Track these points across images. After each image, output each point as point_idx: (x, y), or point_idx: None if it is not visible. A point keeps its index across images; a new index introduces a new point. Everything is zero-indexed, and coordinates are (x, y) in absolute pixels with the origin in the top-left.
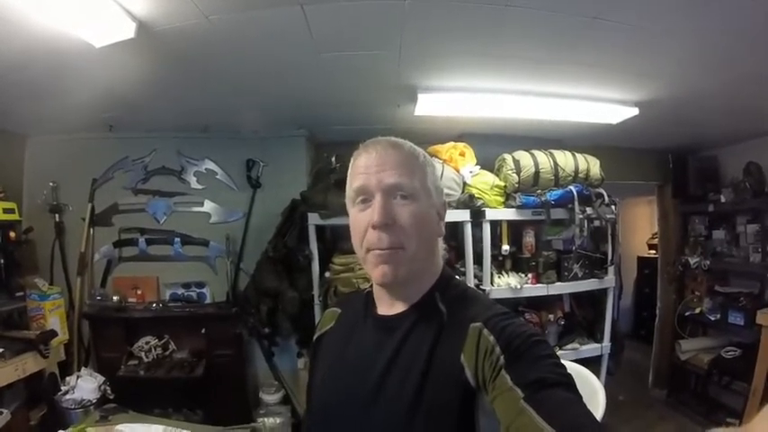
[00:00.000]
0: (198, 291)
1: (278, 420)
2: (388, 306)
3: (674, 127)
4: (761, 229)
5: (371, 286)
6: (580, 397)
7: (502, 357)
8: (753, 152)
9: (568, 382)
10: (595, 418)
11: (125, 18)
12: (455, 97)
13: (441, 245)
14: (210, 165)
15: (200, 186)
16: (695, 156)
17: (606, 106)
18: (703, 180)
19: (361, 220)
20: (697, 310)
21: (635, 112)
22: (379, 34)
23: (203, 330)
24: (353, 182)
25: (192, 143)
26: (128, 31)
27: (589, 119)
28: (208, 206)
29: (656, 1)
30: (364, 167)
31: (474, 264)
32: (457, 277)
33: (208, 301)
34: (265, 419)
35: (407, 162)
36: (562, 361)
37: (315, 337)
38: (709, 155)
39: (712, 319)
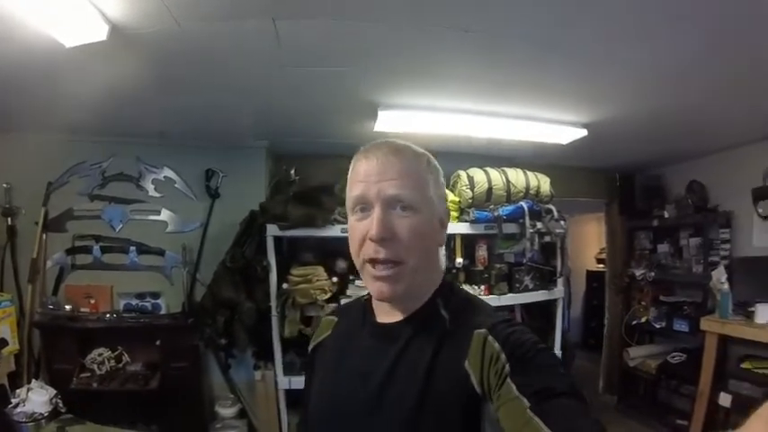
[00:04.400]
0: (153, 301)
1: None
2: (387, 314)
3: (621, 147)
4: (703, 242)
5: (369, 293)
6: (587, 406)
7: (507, 365)
8: (695, 171)
9: (574, 392)
10: (603, 428)
11: (99, 20)
12: (414, 115)
13: (442, 252)
14: (169, 173)
15: (157, 194)
16: (641, 174)
17: (557, 127)
18: (649, 197)
19: (358, 229)
20: (643, 319)
21: (584, 133)
22: (346, 52)
23: (158, 342)
24: (352, 189)
25: (152, 150)
26: (100, 33)
27: (540, 139)
28: (165, 215)
29: (607, 30)
30: (364, 175)
31: None
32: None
33: (163, 311)
34: None
35: (410, 171)
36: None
37: (311, 347)
38: (654, 173)
39: (658, 326)
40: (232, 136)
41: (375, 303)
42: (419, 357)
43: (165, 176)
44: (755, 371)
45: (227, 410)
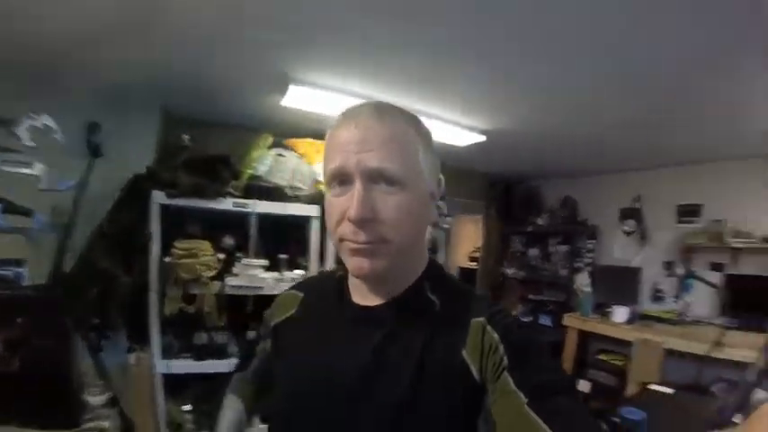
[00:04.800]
0: (15, 270)
1: (107, 424)
2: (367, 296)
3: (510, 157)
4: (570, 249)
5: (344, 269)
6: (583, 405)
7: (505, 358)
8: (570, 188)
9: (572, 390)
10: (600, 427)
11: None
12: (323, 95)
13: (429, 230)
14: (49, 121)
15: (32, 144)
16: (522, 184)
17: (459, 130)
18: (526, 205)
19: (336, 206)
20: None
21: (482, 138)
22: (267, 16)
23: (19, 318)
24: (330, 160)
25: (32, 92)
26: None
27: (441, 139)
28: (38, 169)
29: (511, 45)
30: (343, 144)
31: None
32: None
33: (26, 282)
34: (92, 424)
35: (396, 138)
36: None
37: (273, 325)
38: (533, 185)
39: (525, 320)
40: (122, 88)
41: (352, 283)
42: (410, 343)
43: (43, 124)
44: (611, 362)
45: (95, 398)
